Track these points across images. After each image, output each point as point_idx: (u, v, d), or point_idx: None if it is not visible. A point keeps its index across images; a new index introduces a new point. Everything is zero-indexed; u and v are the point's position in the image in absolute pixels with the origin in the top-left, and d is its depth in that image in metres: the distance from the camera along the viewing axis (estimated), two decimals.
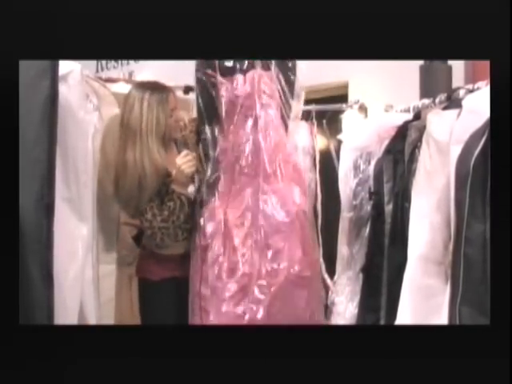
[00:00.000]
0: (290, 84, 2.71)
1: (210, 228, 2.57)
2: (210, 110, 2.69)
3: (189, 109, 3.18)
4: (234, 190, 2.60)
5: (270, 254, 2.49)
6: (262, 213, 2.54)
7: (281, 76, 2.68)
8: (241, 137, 2.64)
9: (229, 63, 2.67)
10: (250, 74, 2.66)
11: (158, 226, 2.57)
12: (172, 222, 2.59)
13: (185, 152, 2.62)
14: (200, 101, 2.69)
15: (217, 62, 2.67)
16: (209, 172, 2.64)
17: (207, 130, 2.68)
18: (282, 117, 2.67)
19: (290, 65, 2.70)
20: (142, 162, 2.54)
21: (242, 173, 2.61)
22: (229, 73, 2.68)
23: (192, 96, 3.26)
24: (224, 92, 2.66)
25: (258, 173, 2.59)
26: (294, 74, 2.71)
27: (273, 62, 2.67)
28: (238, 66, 2.67)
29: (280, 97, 2.67)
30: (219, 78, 2.66)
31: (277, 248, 2.51)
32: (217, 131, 2.67)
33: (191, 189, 2.68)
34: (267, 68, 2.67)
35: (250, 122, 2.65)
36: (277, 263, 2.48)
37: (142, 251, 2.78)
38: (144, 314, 2.71)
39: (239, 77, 2.67)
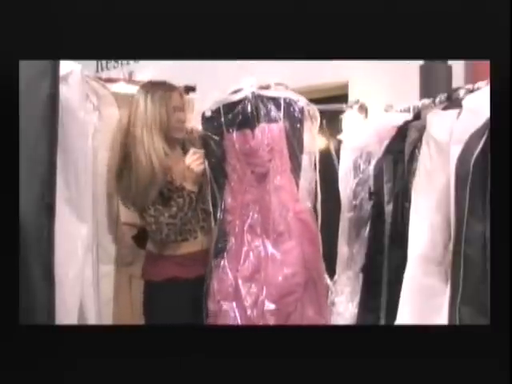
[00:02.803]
0: (299, 136, 2.66)
1: (220, 293, 2.58)
2: (216, 169, 2.70)
3: (189, 109, 3.18)
4: (244, 252, 2.60)
5: (282, 316, 2.50)
6: (272, 275, 2.54)
7: (288, 128, 2.63)
8: (249, 195, 2.64)
9: (235, 118, 2.63)
10: (257, 130, 2.63)
11: (165, 221, 2.59)
12: (180, 219, 2.61)
13: (192, 150, 2.64)
14: (205, 159, 2.68)
15: (222, 118, 2.64)
16: (216, 233, 2.64)
17: (215, 189, 2.69)
18: (292, 171, 2.64)
19: (296, 115, 2.64)
20: (150, 158, 2.55)
21: (251, 233, 2.61)
22: (235, 128, 2.66)
23: (192, 96, 3.26)
24: (230, 149, 2.65)
25: (268, 233, 2.59)
26: (302, 125, 2.66)
27: (281, 114, 2.61)
28: (244, 119, 2.63)
29: (289, 150, 2.63)
30: (225, 134, 2.65)
31: (287, 311, 2.52)
32: (224, 190, 2.67)
33: (188, 187, 2.68)
34: (274, 120, 2.63)
35: (258, 180, 2.64)
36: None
37: (146, 254, 2.79)
38: (147, 315, 2.71)
39: (247, 132, 2.65)
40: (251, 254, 2.60)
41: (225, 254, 2.63)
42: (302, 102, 2.68)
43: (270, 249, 2.57)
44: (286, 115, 2.64)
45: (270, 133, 2.63)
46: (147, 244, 2.78)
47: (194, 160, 2.62)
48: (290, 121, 2.65)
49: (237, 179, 2.67)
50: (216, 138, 2.69)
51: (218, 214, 2.68)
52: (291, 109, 2.65)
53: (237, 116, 2.66)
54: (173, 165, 2.65)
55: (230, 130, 2.66)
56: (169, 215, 2.59)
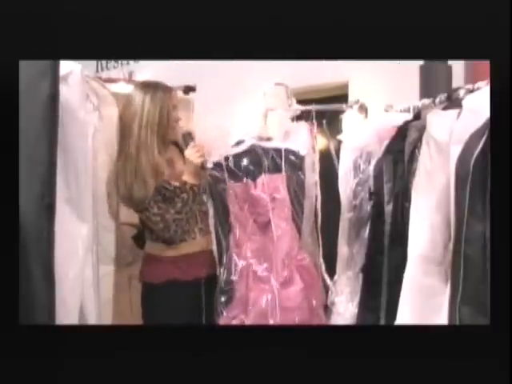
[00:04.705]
0: (300, 183, 2.77)
1: None
2: (221, 216, 2.75)
3: (189, 109, 3.18)
4: (252, 298, 2.63)
5: None
6: (280, 321, 2.57)
7: (290, 177, 2.74)
8: (253, 244, 2.69)
9: (237, 169, 2.71)
10: (259, 180, 2.71)
11: (172, 218, 2.62)
12: (185, 213, 2.65)
13: (192, 144, 2.68)
14: (213, 204, 2.74)
15: (225, 169, 2.69)
16: (224, 277, 2.67)
17: (221, 236, 2.73)
18: (294, 219, 2.73)
19: (297, 165, 2.76)
20: (140, 155, 2.59)
21: (256, 280, 2.65)
22: (239, 178, 2.72)
23: (192, 96, 3.27)
24: (233, 199, 2.71)
25: (273, 280, 2.64)
26: (304, 173, 2.77)
27: (283, 164, 2.72)
28: (247, 170, 2.72)
29: (291, 199, 2.73)
30: (228, 184, 2.71)
31: None
32: (229, 238, 2.71)
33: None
34: (276, 170, 2.73)
35: (260, 228, 2.70)
36: None
37: (144, 256, 2.78)
38: (147, 317, 2.71)
39: (249, 183, 2.72)
40: (258, 300, 2.63)
41: (233, 298, 2.65)
42: (302, 151, 2.79)
43: (277, 295, 2.62)
44: (287, 165, 2.75)
45: (272, 183, 2.72)
46: (146, 246, 2.78)
47: (194, 152, 2.65)
48: (292, 170, 2.76)
49: (240, 228, 2.72)
50: (219, 185, 2.74)
51: (224, 259, 2.71)
52: (292, 158, 2.78)
53: (239, 167, 2.74)
54: (169, 164, 2.67)
55: (232, 181, 2.72)
56: (175, 211, 2.62)
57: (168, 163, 2.68)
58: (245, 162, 2.75)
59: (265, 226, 2.71)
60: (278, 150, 2.78)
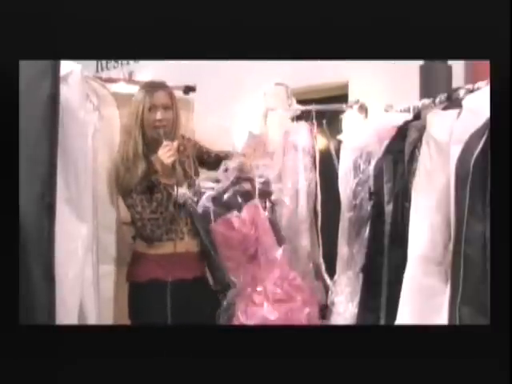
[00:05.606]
0: (275, 209, 2.87)
1: None
2: (214, 253, 2.77)
3: (189, 109, 3.19)
4: (250, 312, 2.68)
5: None
6: None
7: (265, 206, 2.79)
8: (245, 275, 2.74)
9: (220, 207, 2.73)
10: (243, 214, 2.72)
11: (147, 217, 2.65)
12: (161, 213, 2.66)
13: (164, 143, 2.66)
14: (201, 242, 2.76)
15: (212, 208, 2.71)
16: (226, 299, 2.73)
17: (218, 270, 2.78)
18: (278, 242, 2.78)
19: (268, 188, 2.83)
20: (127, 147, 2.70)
21: (253, 300, 2.71)
22: (226, 208, 2.73)
23: (192, 96, 3.27)
24: (219, 238, 2.72)
25: (269, 301, 2.69)
26: (274, 200, 2.86)
27: (257, 193, 2.77)
28: (228, 207, 2.74)
29: (270, 223, 2.77)
30: (213, 226, 2.70)
31: None
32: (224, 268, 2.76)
33: (182, 191, 2.69)
34: (250, 199, 2.76)
35: (249, 260, 2.74)
36: None
37: (132, 255, 2.79)
38: (132, 317, 2.72)
39: (233, 219, 2.71)
40: (257, 315, 2.68)
41: (232, 318, 2.70)
42: (271, 176, 2.86)
43: (273, 311, 2.68)
44: (260, 193, 2.79)
45: (251, 210, 2.74)
46: (135, 244, 2.78)
47: (165, 152, 2.64)
48: (265, 198, 2.82)
49: (231, 263, 2.75)
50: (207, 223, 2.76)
51: (222, 282, 2.76)
52: (264, 187, 2.83)
53: (222, 205, 2.75)
54: (156, 163, 2.68)
55: (217, 220, 2.72)
56: (150, 211, 2.64)
57: (150, 162, 2.70)
58: (226, 197, 2.76)
59: (254, 256, 2.75)
60: (251, 180, 2.82)
